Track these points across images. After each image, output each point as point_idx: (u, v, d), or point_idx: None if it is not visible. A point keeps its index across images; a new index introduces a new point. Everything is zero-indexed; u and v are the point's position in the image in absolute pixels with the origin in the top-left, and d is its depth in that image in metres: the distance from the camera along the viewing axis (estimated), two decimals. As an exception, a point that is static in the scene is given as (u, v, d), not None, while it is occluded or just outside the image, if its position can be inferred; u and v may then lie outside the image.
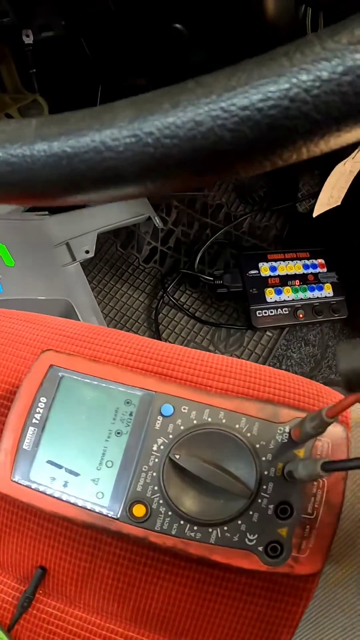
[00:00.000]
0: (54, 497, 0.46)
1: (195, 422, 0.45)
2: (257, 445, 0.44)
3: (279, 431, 0.45)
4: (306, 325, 1.35)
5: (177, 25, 0.64)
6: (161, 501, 0.44)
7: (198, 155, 0.23)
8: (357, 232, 1.31)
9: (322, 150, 0.23)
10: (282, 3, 0.57)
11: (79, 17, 0.78)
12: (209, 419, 0.45)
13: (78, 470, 0.46)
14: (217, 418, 0.45)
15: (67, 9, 0.81)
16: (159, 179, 0.24)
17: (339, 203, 1.08)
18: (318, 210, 1.06)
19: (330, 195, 1.01)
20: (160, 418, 0.46)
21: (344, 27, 0.21)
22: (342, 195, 1.06)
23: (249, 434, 0.45)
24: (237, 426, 0.45)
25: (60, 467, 0.46)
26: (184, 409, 0.46)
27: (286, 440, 0.44)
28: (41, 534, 0.51)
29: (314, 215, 1.07)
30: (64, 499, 0.46)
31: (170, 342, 1.36)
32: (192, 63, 0.73)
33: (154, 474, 0.45)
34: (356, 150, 0.89)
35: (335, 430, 0.45)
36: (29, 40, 1.00)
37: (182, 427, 0.45)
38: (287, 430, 0.45)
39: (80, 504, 0.46)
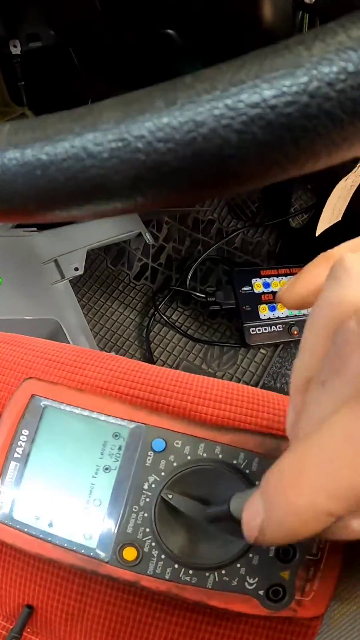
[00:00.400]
0: (38, 537, 0.43)
1: (189, 457, 0.42)
2: (257, 483, 0.41)
3: (280, 467, 0.42)
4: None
5: (169, 31, 0.62)
6: (153, 544, 0.41)
7: (198, 162, 0.19)
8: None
9: (344, 156, 0.19)
10: (279, 9, 0.56)
11: (67, 26, 0.75)
12: (204, 454, 0.42)
13: (64, 509, 0.43)
14: (213, 453, 0.42)
15: (54, 18, 0.79)
16: (152, 191, 0.20)
17: (340, 218, 1.06)
18: (321, 228, 1.04)
19: (332, 212, 0.99)
20: (151, 454, 0.42)
21: None
22: (343, 210, 1.05)
23: (247, 471, 0.41)
24: (234, 462, 0.42)
25: (44, 505, 0.43)
26: (177, 443, 0.42)
27: (289, 477, 0.41)
28: (27, 572, 0.48)
29: (317, 233, 1.05)
30: (50, 540, 0.43)
31: (162, 360, 1.34)
32: (187, 74, 0.71)
33: (145, 514, 0.41)
34: (359, 165, 0.87)
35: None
36: (16, 50, 0.98)
37: (175, 464, 0.42)
38: (289, 465, 0.42)
39: (66, 546, 0.42)
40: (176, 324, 1.37)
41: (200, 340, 1.36)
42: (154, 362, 1.34)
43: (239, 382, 1.31)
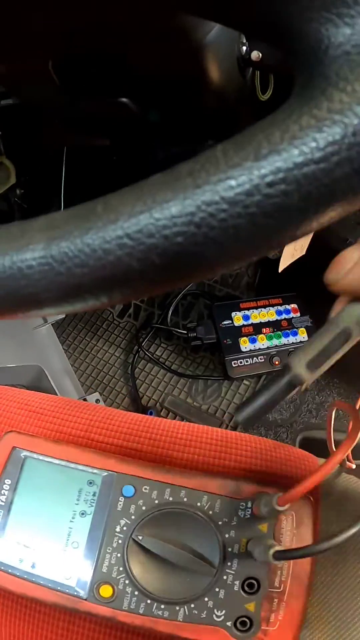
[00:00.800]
0: (22, 578, 0.46)
1: (156, 502, 0.45)
2: (220, 523, 0.44)
3: (241, 507, 0.45)
4: (282, 372, 1.35)
5: (124, 100, 0.65)
6: (127, 581, 0.44)
7: (109, 283, 0.22)
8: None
9: (235, 267, 0.23)
10: (225, 70, 0.58)
11: (27, 95, 0.79)
12: (171, 498, 0.45)
13: (45, 552, 0.46)
14: (178, 497, 0.45)
15: (14, 92, 0.82)
16: (76, 304, 0.24)
17: (304, 252, 1.08)
18: (283, 264, 1.06)
19: (294, 248, 1.02)
20: (122, 499, 0.46)
21: (250, 140, 0.20)
22: (307, 245, 1.06)
23: (210, 512, 0.45)
24: (198, 504, 0.45)
25: (27, 548, 0.46)
26: (145, 489, 0.46)
27: (249, 516, 0.45)
28: (15, 610, 0.50)
29: (280, 270, 1.07)
30: (33, 580, 0.46)
31: (147, 396, 1.37)
32: (149, 123, 0.74)
33: (119, 554, 0.45)
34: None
35: (299, 502, 0.45)
36: (-12, 107, 1.01)
37: (143, 508, 0.45)
38: (249, 505, 0.45)
39: (48, 585, 0.45)
40: (160, 359, 1.40)
41: (184, 374, 1.38)
42: (140, 398, 1.36)
43: (224, 414, 1.33)
